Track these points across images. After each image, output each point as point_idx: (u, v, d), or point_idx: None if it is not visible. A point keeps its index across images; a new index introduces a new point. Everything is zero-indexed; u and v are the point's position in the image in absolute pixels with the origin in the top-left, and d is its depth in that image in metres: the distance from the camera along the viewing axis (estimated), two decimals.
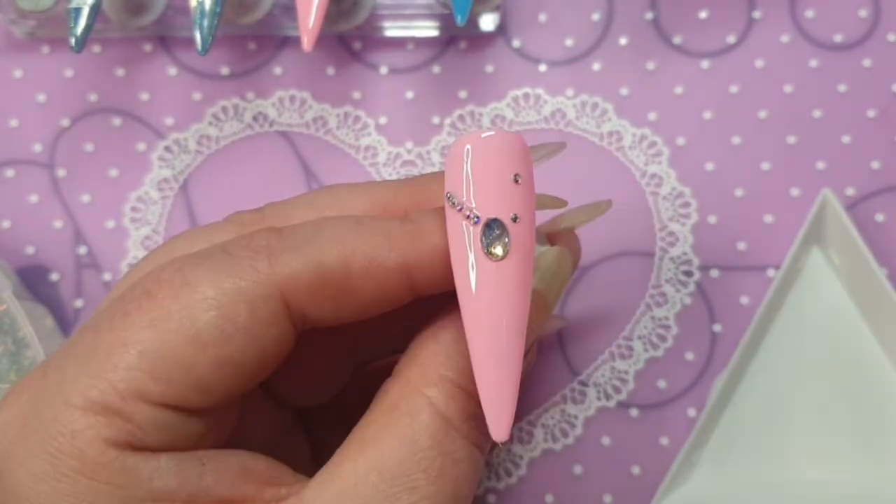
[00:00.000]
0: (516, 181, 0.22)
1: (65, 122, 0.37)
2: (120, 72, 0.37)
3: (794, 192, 0.36)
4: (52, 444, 0.21)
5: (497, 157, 0.22)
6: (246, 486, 0.22)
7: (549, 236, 0.29)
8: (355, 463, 0.22)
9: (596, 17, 0.37)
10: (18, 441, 0.21)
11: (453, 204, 0.22)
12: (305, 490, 0.22)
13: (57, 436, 0.21)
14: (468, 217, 0.22)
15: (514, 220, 0.22)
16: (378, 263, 0.22)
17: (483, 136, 0.22)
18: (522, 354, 0.22)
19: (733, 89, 0.37)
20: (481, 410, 0.22)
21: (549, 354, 0.35)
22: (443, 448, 0.22)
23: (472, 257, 0.22)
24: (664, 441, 0.34)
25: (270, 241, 0.22)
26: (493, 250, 0.22)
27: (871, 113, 0.36)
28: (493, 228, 0.22)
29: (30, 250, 0.36)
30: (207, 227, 0.25)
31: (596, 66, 0.37)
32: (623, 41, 0.37)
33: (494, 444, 0.23)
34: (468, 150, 0.22)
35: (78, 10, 0.31)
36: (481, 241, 0.22)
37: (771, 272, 0.35)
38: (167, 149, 0.37)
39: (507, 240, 0.22)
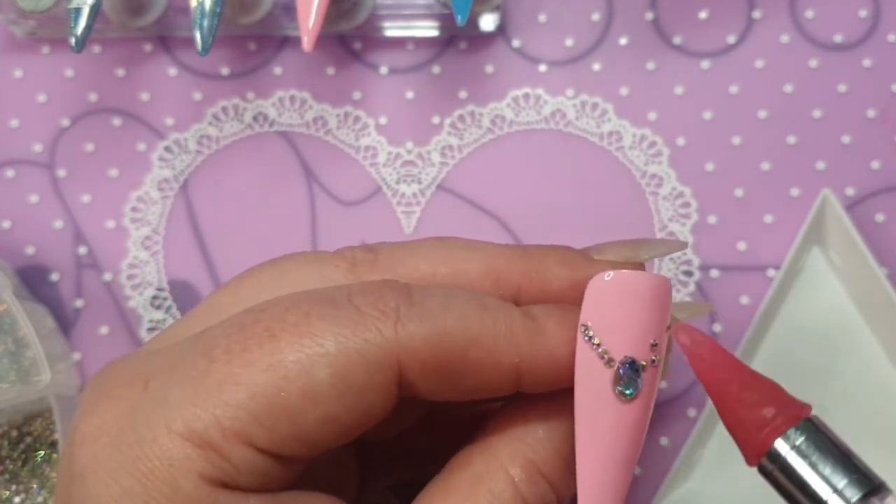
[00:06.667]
0: (667, 330, 0.22)
1: (65, 122, 0.37)
2: (120, 72, 0.37)
3: (794, 192, 0.36)
4: (147, 464, 0.20)
5: (645, 304, 0.22)
6: None
7: None
8: None
9: (596, 17, 0.37)
10: (109, 450, 0.21)
11: (589, 338, 0.22)
12: None
13: (153, 458, 0.20)
14: (602, 358, 0.22)
15: (646, 366, 0.22)
16: (495, 358, 0.22)
17: (631, 275, 0.22)
18: (629, 485, 0.22)
19: (733, 89, 0.37)
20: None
21: None
22: None
23: (599, 395, 0.22)
24: (664, 441, 0.34)
25: (400, 306, 0.22)
26: (625, 392, 0.22)
27: (871, 113, 0.36)
28: (628, 371, 0.22)
29: (30, 250, 0.36)
30: (317, 256, 0.25)
31: (596, 66, 0.37)
32: (623, 41, 0.37)
33: None
34: (614, 288, 0.22)
35: (78, 10, 0.31)
36: (613, 382, 0.22)
37: (771, 272, 0.35)
38: (167, 149, 0.37)
39: (639, 383, 0.22)
